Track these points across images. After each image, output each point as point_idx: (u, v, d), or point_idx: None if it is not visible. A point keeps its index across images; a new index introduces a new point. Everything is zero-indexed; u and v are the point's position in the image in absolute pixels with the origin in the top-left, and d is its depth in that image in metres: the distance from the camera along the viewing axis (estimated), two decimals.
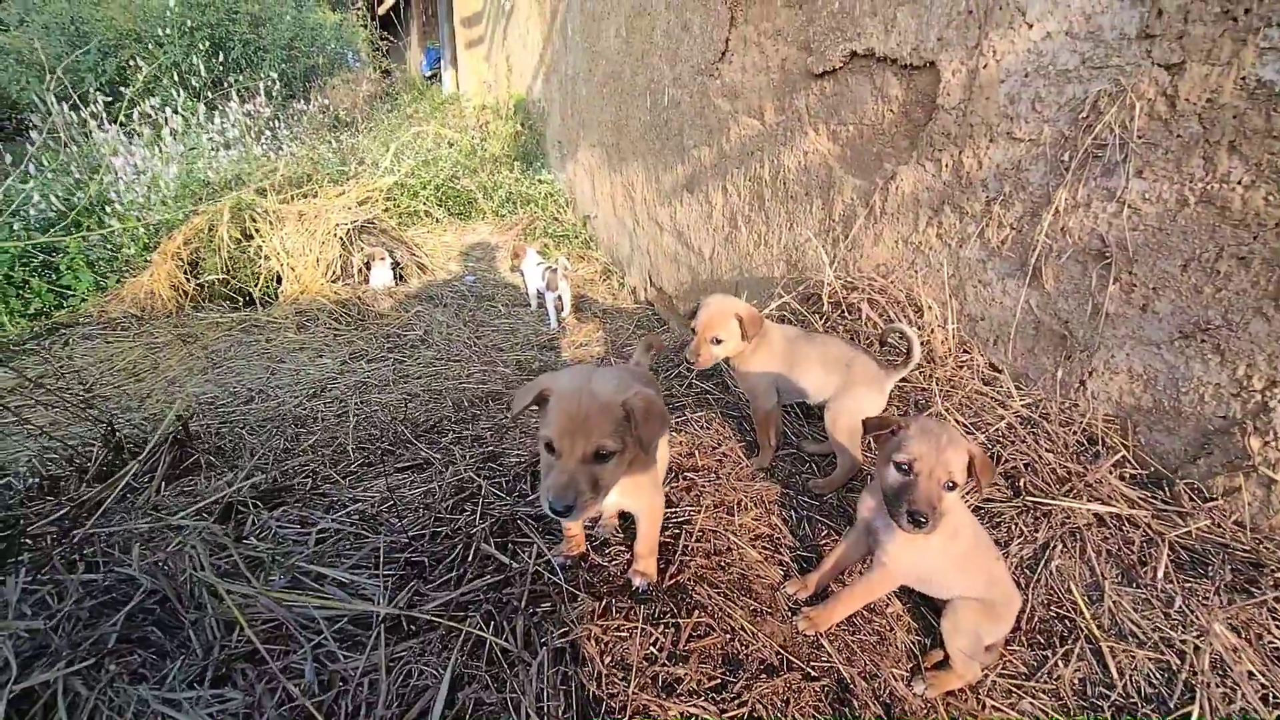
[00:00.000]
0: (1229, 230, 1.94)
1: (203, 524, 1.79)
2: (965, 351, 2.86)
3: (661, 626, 1.66)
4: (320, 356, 5.84)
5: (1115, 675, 1.85)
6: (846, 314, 3.17)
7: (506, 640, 1.47)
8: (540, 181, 9.28)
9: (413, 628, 1.52)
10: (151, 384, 5.60)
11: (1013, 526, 2.19)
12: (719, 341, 2.57)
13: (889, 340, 2.91)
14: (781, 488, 2.55)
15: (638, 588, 1.85)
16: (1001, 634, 1.96)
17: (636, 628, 1.62)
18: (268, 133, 10.56)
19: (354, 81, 16.87)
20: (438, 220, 9.38)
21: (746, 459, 2.73)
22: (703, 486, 2.42)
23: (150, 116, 9.75)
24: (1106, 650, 1.88)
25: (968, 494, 2.32)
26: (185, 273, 6.93)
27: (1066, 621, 1.98)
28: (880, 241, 3.24)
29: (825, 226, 3.61)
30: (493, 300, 7.09)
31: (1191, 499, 2.09)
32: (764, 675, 1.68)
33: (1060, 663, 1.92)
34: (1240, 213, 1.91)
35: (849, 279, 3.31)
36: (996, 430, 2.45)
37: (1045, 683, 1.90)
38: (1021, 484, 2.28)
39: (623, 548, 2.02)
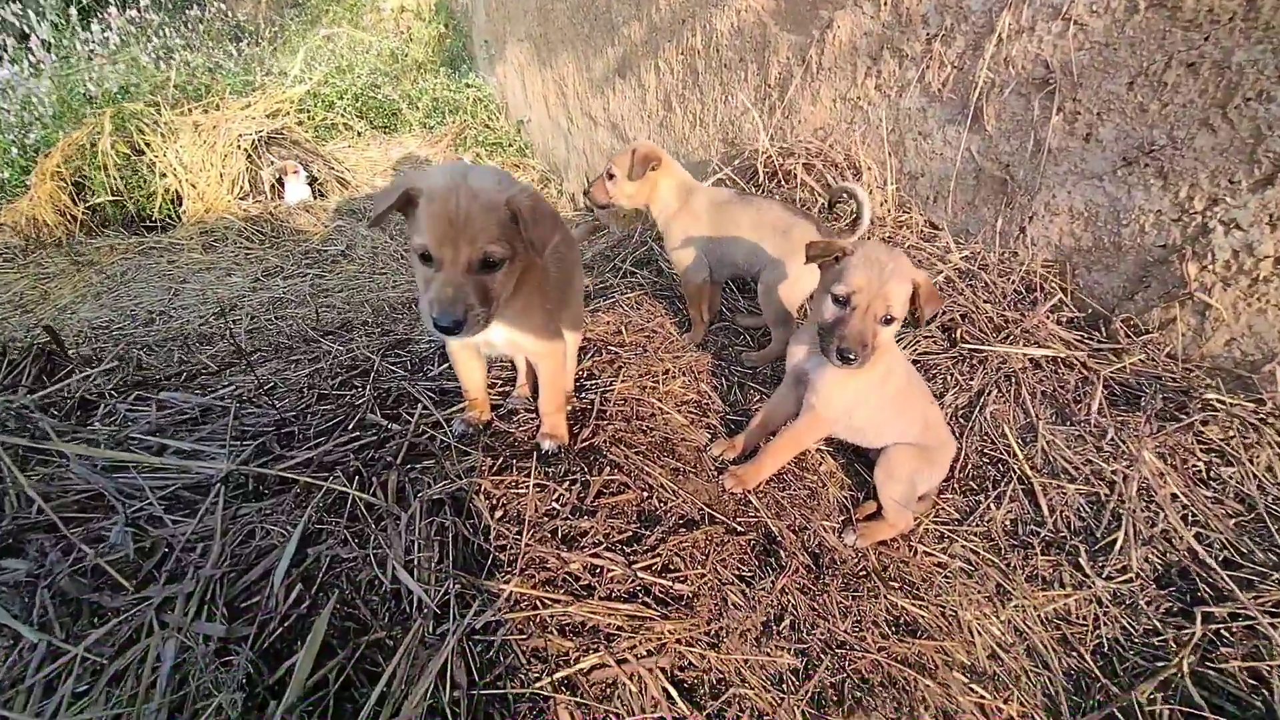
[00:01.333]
0: (1179, 34, 1.77)
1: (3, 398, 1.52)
2: (904, 211, 2.69)
3: (567, 483, 1.49)
4: (229, 275, 5.37)
5: (1046, 512, 1.80)
6: (783, 182, 2.96)
7: (374, 495, 1.28)
8: (468, 85, 8.58)
9: (264, 489, 1.31)
10: (41, 314, 5.08)
11: (949, 376, 2.09)
12: (611, 176, 2.41)
13: (838, 203, 2.69)
14: (713, 359, 2.39)
15: (545, 450, 1.68)
16: (936, 482, 1.89)
17: (535, 484, 1.45)
18: (155, 40, 9.39)
19: None
20: (359, 134, 8.63)
21: (678, 336, 2.56)
22: (627, 359, 2.24)
23: (13, 25, 8.56)
24: (1039, 488, 1.82)
25: (909, 332, 2.20)
26: (71, 195, 6.23)
27: (1000, 465, 1.92)
28: (818, 101, 2.99)
29: (761, 94, 3.34)
30: None
31: (1127, 335, 2.01)
32: (683, 529, 1.56)
33: (992, 505, 1.86)
34: (1192, 11, 1.73)
35: (785, 145, 3.08)
36: (935, 285, 2.32)
37: (977, 526, 1.85)
38: (958, 334, 2.17)
39: (533, 414, 1.83)
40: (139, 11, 9.76)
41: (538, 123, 7.14)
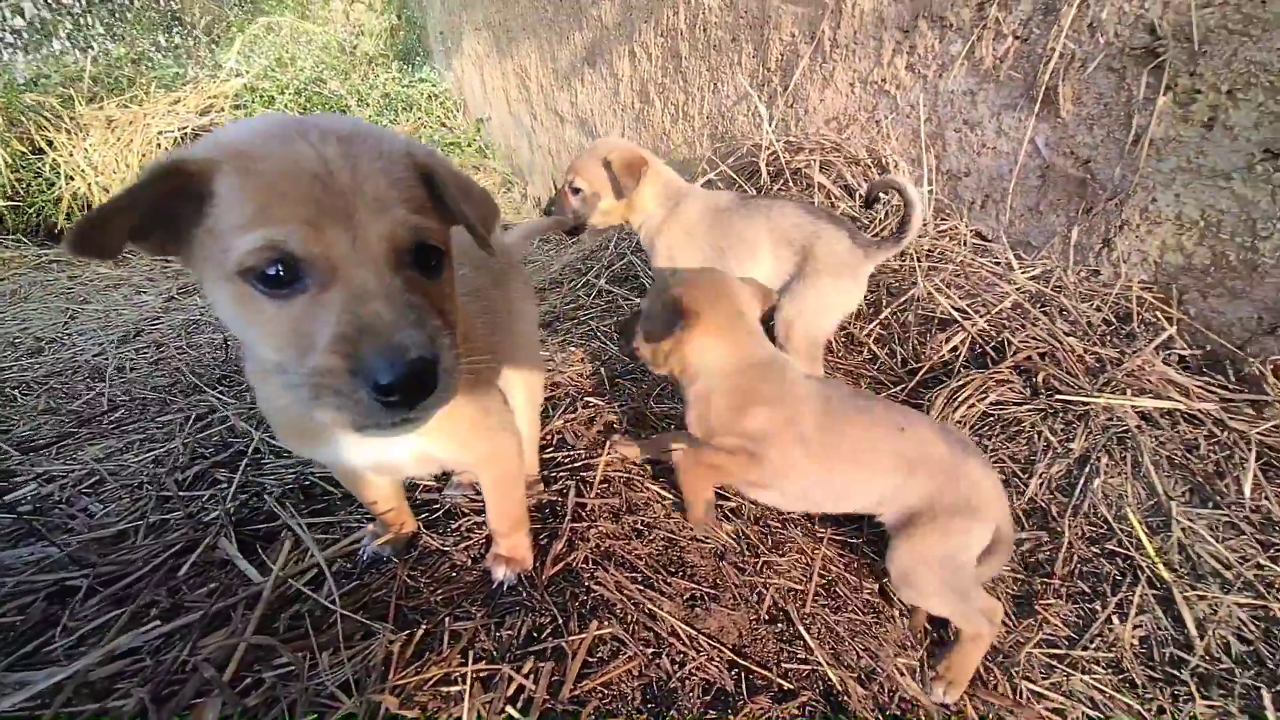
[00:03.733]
0: None
1: None
2: (944, 218, 2.21)
3: (532, 660, 0.94)
4: (140, 294, 4.67)
5: (1193, 631, 1.31)
6: (792, 183, 2.45)
7: None
8: (422, 80, 7.92)
9: None
10: None
11: (1036, 435, 1.60)
12: (577, 191, 1.90)
13: (877, 200, 2.14)
14: None
15: (500, 582, 1.12)
16: (989, 543, 1.31)
17: (477, 673, 0.89)
18: (72, 28, 8.48)
19: None
20: None
21: None
22: (609, 415, 1.69)
23: None
24: (1180, 598, 1.33)
25: (972, 375, 1.69)
26: None
27: (1120, 560, 1.42)
28: (831, 86, 2.49)
29: (760, 79, 2.82)
30: None
31: (1276, 383, 1.54)
32: (710, 710, 1.01)
33: (1115, 618, 1.37)
34: None
35: (793, 139, 2.57)
36: (1000, 312, 1.83)
37: (1099, 649, 1.35)
38: (1040, 379, 1.68)
39: (483, 512, 1.27)
40: None
41: (498, 121, 6.54)
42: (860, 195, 2.27)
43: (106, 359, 3.54)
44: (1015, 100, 1.94)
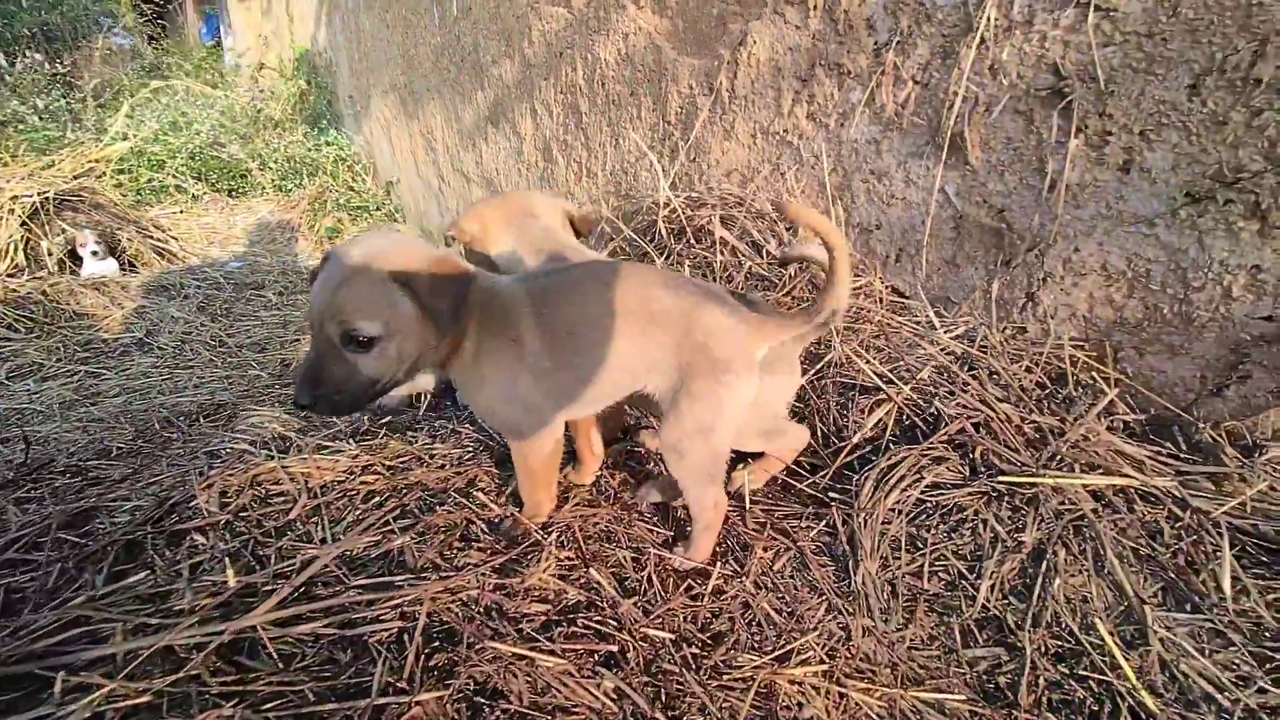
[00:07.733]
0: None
1: None
2: (858, 274, 2.02)
3: None
4: None
5: None
6: (694, 242, 2.23)
7: None
8: (328, 144, 7.58)
9: None
10: None
11: (981, 526, 1.34)
12: None
13: (790, 270, 1.94)
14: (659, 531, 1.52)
15: None
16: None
17: None
18: None
19: (93, 45, 13.45)
20: (195, 197, 7.36)
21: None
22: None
23: None
24: None
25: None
26: None
27: (1094, 684, 1.16)
28: (732, 137, 2.33)
29: (660, 133, 2.66)
30: (261, 289, 5.43)
31: (1233, 452, 1.36)
32: None
33: None
34: None
35: (695, 194, 2.38)
36: (927, 377, 1.61)
37: None
38: (978, 454, 1.44)
39: None
40: None
41: (408, 184, 6.25)
42: (770, 253, 2.07)
43: None
44: (921, 148, 1.80)
